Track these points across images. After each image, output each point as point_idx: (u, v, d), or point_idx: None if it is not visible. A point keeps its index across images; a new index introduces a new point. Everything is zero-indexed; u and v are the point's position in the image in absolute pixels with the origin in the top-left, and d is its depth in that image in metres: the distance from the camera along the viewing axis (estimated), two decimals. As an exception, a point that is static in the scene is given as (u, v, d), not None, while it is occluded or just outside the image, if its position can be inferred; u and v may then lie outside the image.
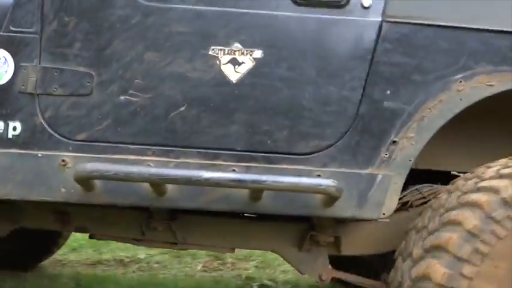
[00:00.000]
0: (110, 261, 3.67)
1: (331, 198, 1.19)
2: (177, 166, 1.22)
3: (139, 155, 1.23)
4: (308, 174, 1.23)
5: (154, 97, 1.23)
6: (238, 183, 1.13)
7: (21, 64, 1.21)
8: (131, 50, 1.23)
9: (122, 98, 1.22)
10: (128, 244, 3.03)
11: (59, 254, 3.50)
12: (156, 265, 3.62)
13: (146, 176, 1.12)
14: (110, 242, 3.09)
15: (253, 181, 1.13)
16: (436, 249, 1.10)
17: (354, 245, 1.44)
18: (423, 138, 1.25)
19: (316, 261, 1.44)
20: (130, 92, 1.22)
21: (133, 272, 3.46)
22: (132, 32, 1.23)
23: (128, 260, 3.73)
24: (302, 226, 1.43)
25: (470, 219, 1.08)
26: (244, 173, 1.22)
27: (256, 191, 1.18)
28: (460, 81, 1.25)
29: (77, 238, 3.67)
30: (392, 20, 1.25)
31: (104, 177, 1.12)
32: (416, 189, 1.50)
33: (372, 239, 1.41)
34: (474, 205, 1.10)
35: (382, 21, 1.25)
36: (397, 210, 1.41)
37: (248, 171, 1.23)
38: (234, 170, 1.22)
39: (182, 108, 1.23)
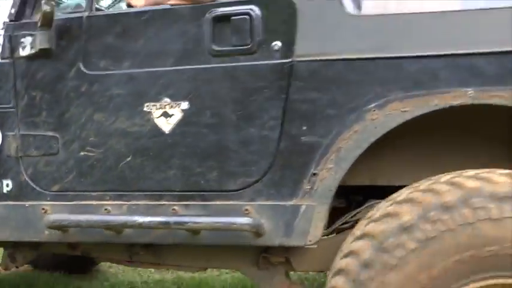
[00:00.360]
0: None
1: (256, 232, 1.32)
2: (129, 208, 1.44)
3: (99, 200, 1.47)
4: (238, 208, 1.37)
5: (105, 151, 1.46)
6: (165, 225, 1.33)
7: (6, 133, 1.52)
8: (84, 113, 1.47)
9: (82, 154, 1.47)
10: None
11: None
12: None
13: (92, 223, 1.38)
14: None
15: (176, 222, 1.32)
16: (339, 272, 1.19)
17: (304, 264, 1.52)
18: (342, 169, 1.31)
19: (274, 278, 1.57)
20: (87, 148, 1.47)
21: (227, 273, 3.44)
22: (83, 98, 1.47)
23: None
24: (257, 249, 1.57)
25: (364, 249, 1.15)
26: (184, 210, 1.41)
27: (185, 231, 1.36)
28: (374, 110, 1.27)
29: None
30: (301, 59, 1.32)
31: (63, 226, 1.40)
32: (371, 205, 1.55)
33: (319, 258, 1.49)
34: (369, 235, 1.16)
35: (292, 61, 1.32)
36: (347, 228, 1.50)
37: (187, 208, 1.41)
38: (174, 209, 1.41)
39: (128, 159, 1.44)
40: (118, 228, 1.39)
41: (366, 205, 1.54)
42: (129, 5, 1.65)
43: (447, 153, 1.44)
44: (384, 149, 1.40)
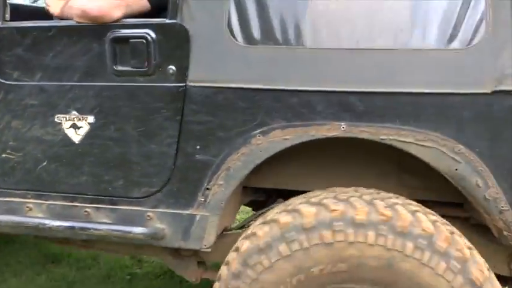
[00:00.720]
0: None
1: (151, 236, 1.50)
2: (48, 207, 1.60)
3: (22, 198, 1.63)
4: (142, 214, 1.53)
5: (24, 155, 1.59)
6: (71, 230, 1.50)
7: None
8: (3, 120, 1.58)
9: (3, 156, 1.60)
10: None
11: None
12: None
13: (10, 224, 1.56)
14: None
15: (80, 228, 1.50)
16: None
17: (212, 256, 1.71)
18: (231, 185, 1.44)
19: (188, 267, 1.77)
20: (8, 151, 1.59)
21: None
22: (1, 105, 1.57)
23: None
24: None
25: (234, 261, 1.33)
26: (95, 212, 1.57)
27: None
28: (259, 136, 1.38)
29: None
30: (194, 84, 1.41)
31: None
32: (275, 205, 1.72)
33: (226, 251, 1.68)
34: (238, 250, 1.33)
35: (185, 86, 1.41)
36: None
37: (98, 211, 1.57)
38: (86, 211, 1.57)
39: (44, 164, 1.58)
40: (33, 229, 1.58)
41: (271, 206, 1.71)
42: (47, 11, 1.69)
43: (340, 166, 1.58)
44: (286, 158, 1.53)
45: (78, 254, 3.10)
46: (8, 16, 1.54)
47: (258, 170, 1.51)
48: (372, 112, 1.32)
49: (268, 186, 1.71)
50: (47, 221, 1.53)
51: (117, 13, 1.47)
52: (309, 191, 1.51)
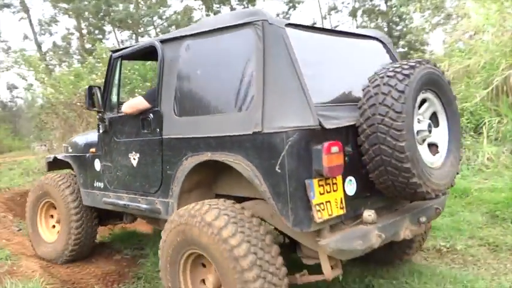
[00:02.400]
0: (430, 249, 4.08)
1: (156, 212, 3.26)
2: (128, 197, 3.61)
3: (118, 192, 3.72)
4: (153, 201, 3.28)
5: (118, 172, 3.68)
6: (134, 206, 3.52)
7: None
8: (112, 158, 3.74)
9: (111, 173, 3.76)
10: (450, 232, 4.37)
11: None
12: (470, 258, 3.83)
13: (117, 205, 3.76)
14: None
15: (123, 205, 3.63)
16: None
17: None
18: (179, 186, 3.02)
19: (162, 225, 3.38)
20: (111, 170, 3.76)
21: (446, 264, 3.76)
22: (111, 151, 3.75)
23: (446, 250, 4.02)
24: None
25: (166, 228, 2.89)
26: (141, 199, 3.43)
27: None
28: (184, 160, 2.95)
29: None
30: (165, 136, 3.15)
31: None
32: None
33: None
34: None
35: (162, 137, 3.19)
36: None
37: (141, 198, 3.41)
38: (138, 199, 3.46)
39: (126, 176, 3.59)
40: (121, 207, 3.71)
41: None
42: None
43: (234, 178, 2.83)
44: (224, 176, 3.04)
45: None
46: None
47: (216, 182, 3.09)
48: (217, 146, 2.67)
49: (221, 193, 3.09)
50: (127, 203, 3.56)
51: (130, 111, 3.43)
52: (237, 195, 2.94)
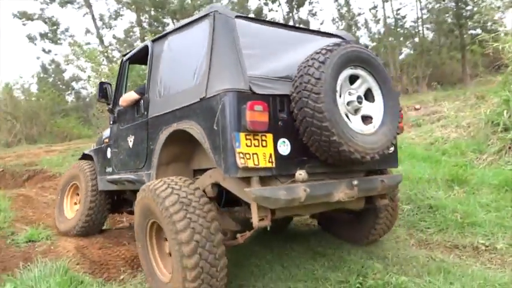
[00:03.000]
0: (467, 246, 3.85)
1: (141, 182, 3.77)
2: (130, 173, 4.08)
3: (121, 172, 4.31)
4: (142, 174, 3.81)
5: (121, 154, 4.31)
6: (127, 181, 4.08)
7: None
8: (118, 141, 4.41)
9: (119, 156, 4.37)
10: (492, 229, 4.00)
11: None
12: (510, 259, 3.56)
13: (127, 180, 4.12)
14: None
15: (119, 179, 4.22)
16: None
17: None
18: (156, 158, 3.51)
19: None
20: (117, 153, 4.39)
21: (481, 263, 3.52)
22: (118, 137, 4.41)
23: (484, 248, 3.79)
24: None
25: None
26: (136, 174, 3.93)
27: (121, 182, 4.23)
28: (161, 133, 3.46)
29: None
30: (150, 117, 3.71)
31: None
32: None
33: None
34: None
35: (148, 118, 3.67)
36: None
37: (135, 173, 3.94)
38: (133, 174, 3.97)
39: (125, 157, 4.23)
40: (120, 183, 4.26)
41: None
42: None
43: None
44: (194, 149, 3.48)
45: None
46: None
47: (192, 158, 3.53)
48: (181, 117, 3.22)
49: (196, 168, 3.57)
50: (123, 176, 4.12)
51: (124, 104, 4.13)
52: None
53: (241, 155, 2.68)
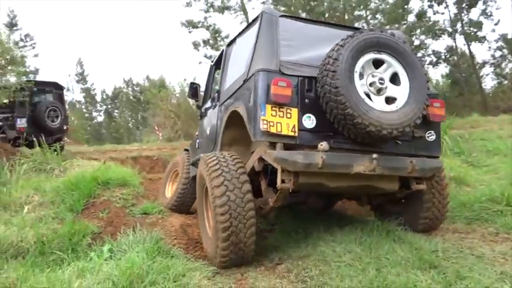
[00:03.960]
0: None
1: None
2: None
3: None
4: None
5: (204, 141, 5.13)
6: None
7: None
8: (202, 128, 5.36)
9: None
10: None
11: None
12: None
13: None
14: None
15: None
16: None
17: None
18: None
19: None
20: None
21: None
22: (201, 123, 5.39)
23: None
24: None
25: None
26: None
27: None
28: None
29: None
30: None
31: None
32: None
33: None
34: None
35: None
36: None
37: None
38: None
39: (208, 144, 4.74)
40: None
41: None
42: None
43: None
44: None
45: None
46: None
47: (249, 141, 3.64)
48: (234, 101, 3.87)
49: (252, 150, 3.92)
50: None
51: None
52: None
53: (265, 122, 3.28)
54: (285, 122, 3.30)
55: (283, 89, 3.29)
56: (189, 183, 5.50)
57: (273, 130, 3.26)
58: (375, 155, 3.31)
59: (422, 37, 23.38)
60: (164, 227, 4.58)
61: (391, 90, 3.40)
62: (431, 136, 3.74)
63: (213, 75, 5.48)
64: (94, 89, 47.56)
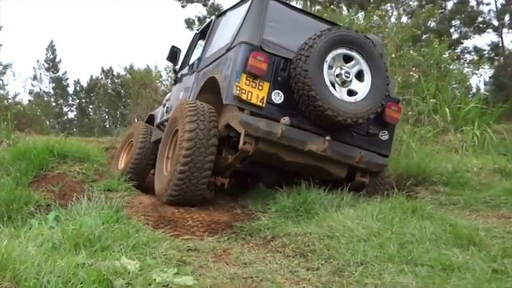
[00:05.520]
0: None
1: None
2: None
3: None
4: None
5: None
6: None
7: None
8: None
9: None
10: None
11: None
12: None
13: None
14: None
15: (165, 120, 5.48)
16: None
17: None
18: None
19: None
20: None
21: None
22: None
23: None
24: None
25: None
26: None
27: None
28: None
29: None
30: None
31: None
32: None
33: None
34: None
35: None
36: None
37: None
38: None
39: None
40: None
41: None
42: None
43: None
44: None
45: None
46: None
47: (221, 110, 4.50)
48: (214, 67, 4.81)
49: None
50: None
51: None
52: None
53: (238, 88, 4.11)
54: (256, 93, 4.14)
55: (260, 62, 4.12)
56: (145, 149, 5.99)
57: (243, 97, 4.09)
58: (327, 137, 4.13)
59: (464, 29, 22.95)
60: (132, 205, 4.33)
61: (354, 84, 4.27)
62: (384, 136, 4.61)
63: (195, 43, 6.19)
64: (66, 79, 45.74)
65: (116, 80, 41.50)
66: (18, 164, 5.01)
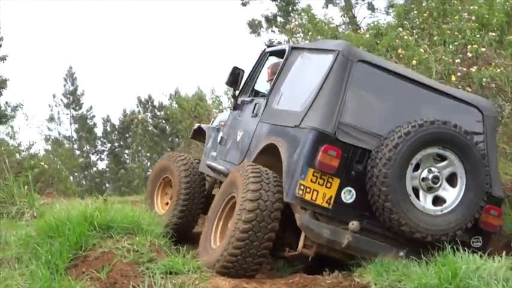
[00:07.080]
0: None
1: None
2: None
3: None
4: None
5: None
6: None
7: None
8: None
9: None
10: None
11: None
12: None
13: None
14: None
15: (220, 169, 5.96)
16: None
17: None
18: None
19: None
20: None
21: None
22: None
23: None
24: None
25: None
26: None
27: None
28: None
29: None
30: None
31: None
32: None
33: None
34: None
35: None
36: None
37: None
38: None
39: None
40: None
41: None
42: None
43: None
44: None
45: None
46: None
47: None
48: (278, 133, 5.05)
49: None
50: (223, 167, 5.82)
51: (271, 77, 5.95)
52: None
53: (302, 187, 4.13)
54: (323, 191, 4.13)
55: (331, 158, 4.09)
56: (192, 189, 6.13)
57: (307, 197, 4.11)
58: (401, 253, 4.20)
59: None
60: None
61: (443, 190, 4.25)
62: (477, 242, 4.44)
63: (263, 64, 5.94)
64: (92, 117, 42.12)
65: (158, 113, 38.12)
66: (49, 243, 4.69)
